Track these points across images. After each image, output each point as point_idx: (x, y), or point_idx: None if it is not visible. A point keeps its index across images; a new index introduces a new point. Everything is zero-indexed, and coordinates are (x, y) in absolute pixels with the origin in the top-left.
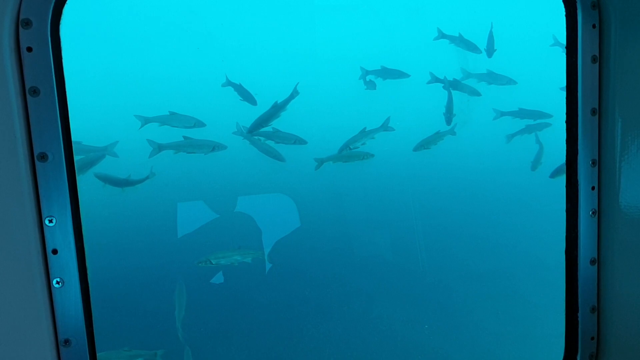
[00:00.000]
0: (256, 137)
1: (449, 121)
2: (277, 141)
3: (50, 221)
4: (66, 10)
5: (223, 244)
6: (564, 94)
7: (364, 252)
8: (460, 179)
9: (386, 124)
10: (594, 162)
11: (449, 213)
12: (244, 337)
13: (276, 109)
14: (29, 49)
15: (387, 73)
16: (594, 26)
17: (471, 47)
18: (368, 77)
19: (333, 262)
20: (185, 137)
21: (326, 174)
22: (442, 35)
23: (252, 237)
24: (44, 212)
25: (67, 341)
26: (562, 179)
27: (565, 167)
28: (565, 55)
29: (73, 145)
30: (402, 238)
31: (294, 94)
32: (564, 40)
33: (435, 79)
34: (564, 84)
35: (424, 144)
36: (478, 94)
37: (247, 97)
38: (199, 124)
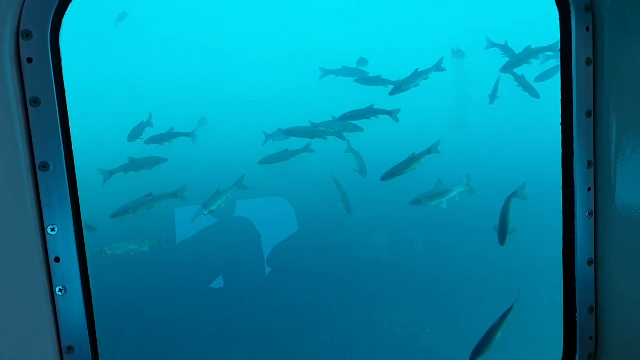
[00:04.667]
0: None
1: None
2: (322, 137)
3: (52, 229)
4: (65, 20)
5: (222, 248)
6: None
7: (362, 255)
8: (458, 179)
9: (182, 190)
10: (589, 164)
11: (447, 214)
12: (243, 341)
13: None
14: (29, 60)
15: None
16: (587, 29)
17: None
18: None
19: (331, 264)
20: (129, 158)
21: (324, 176)
22: (491, 45)
23: (250, 241)
24: (46, 221)
25: (70, 348)
26: None
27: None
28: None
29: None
30: (400, 239)
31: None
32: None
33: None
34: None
35: (272, 159)
36: (537, 96)
37: None
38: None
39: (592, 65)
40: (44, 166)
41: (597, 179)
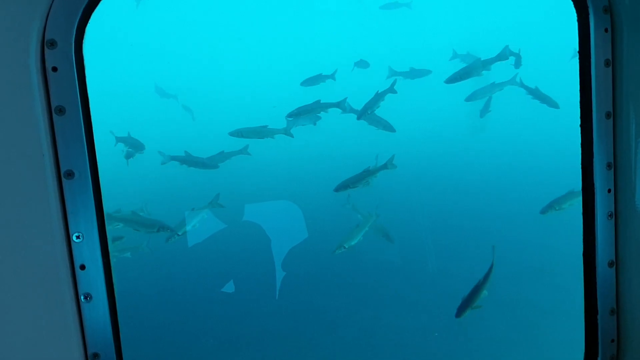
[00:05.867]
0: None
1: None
2: (370, 123)
3: (78, 237)
4: (89, 29)
5: (234, 254)
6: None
7: (372, 257)
8: (469, 182)
9: (145, 207)
10: (609, 165)
11: (458, 216)
12: (253, 345)
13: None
14: (54, 69)
15: (415, 73)
16: (606, 30)
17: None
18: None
19: (341, 268)
20: (186, 153)
21: (332, 178)
22: (510, 53)
23: (260, 245)
24: (72, 229)
25: (95, 355)
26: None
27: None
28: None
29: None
30: (411, 242)
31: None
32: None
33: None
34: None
35: (219, 158)
36: (557, 106)
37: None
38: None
39: (611, 67)
40: (69, 174)
41: (617, 180)
